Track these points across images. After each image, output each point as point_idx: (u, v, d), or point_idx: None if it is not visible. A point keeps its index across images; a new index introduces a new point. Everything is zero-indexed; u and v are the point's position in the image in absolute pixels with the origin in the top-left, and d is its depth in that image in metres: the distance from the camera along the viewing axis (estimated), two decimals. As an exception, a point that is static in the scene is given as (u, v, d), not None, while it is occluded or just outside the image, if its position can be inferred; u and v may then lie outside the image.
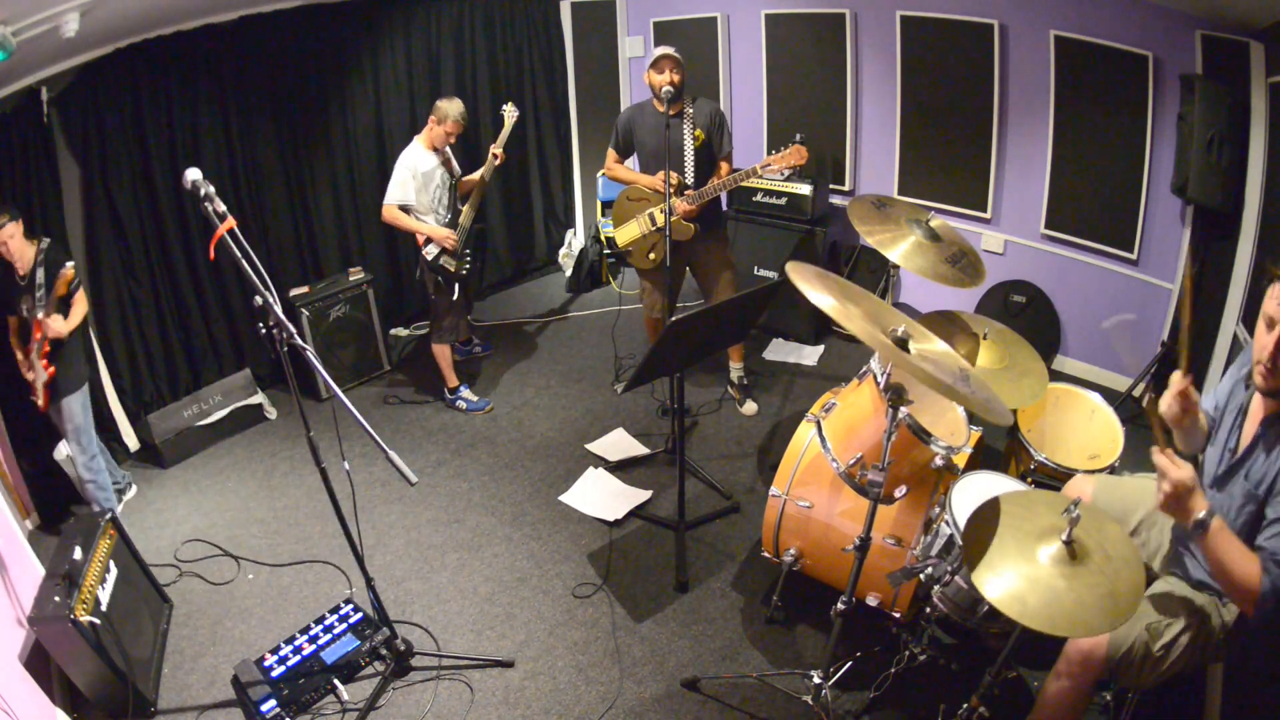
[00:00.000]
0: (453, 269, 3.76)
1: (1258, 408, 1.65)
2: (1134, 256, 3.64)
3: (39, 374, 3.05)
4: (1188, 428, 1.80)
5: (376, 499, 3.42)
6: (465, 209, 3.79)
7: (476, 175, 3.82)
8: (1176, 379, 1.76)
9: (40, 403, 3.12)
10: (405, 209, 3.66)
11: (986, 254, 4.07)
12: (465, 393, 4.09)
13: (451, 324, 3.91)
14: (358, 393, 4.28)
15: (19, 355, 3.10)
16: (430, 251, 3.73)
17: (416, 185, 3.62)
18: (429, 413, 4.08)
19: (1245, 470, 1.63)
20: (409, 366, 4.54)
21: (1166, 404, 1.77)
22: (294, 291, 4.03)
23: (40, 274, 3.02)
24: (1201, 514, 1.50)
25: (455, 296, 3.81)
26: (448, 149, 3.79)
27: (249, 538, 3.24)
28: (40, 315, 2.98)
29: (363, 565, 2.36)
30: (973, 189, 4.09)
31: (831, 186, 4.57)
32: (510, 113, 3.84)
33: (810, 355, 4.40)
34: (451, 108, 3.58)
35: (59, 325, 3.02)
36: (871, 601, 2.42)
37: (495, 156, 3.74)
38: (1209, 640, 1.74)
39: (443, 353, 3.98)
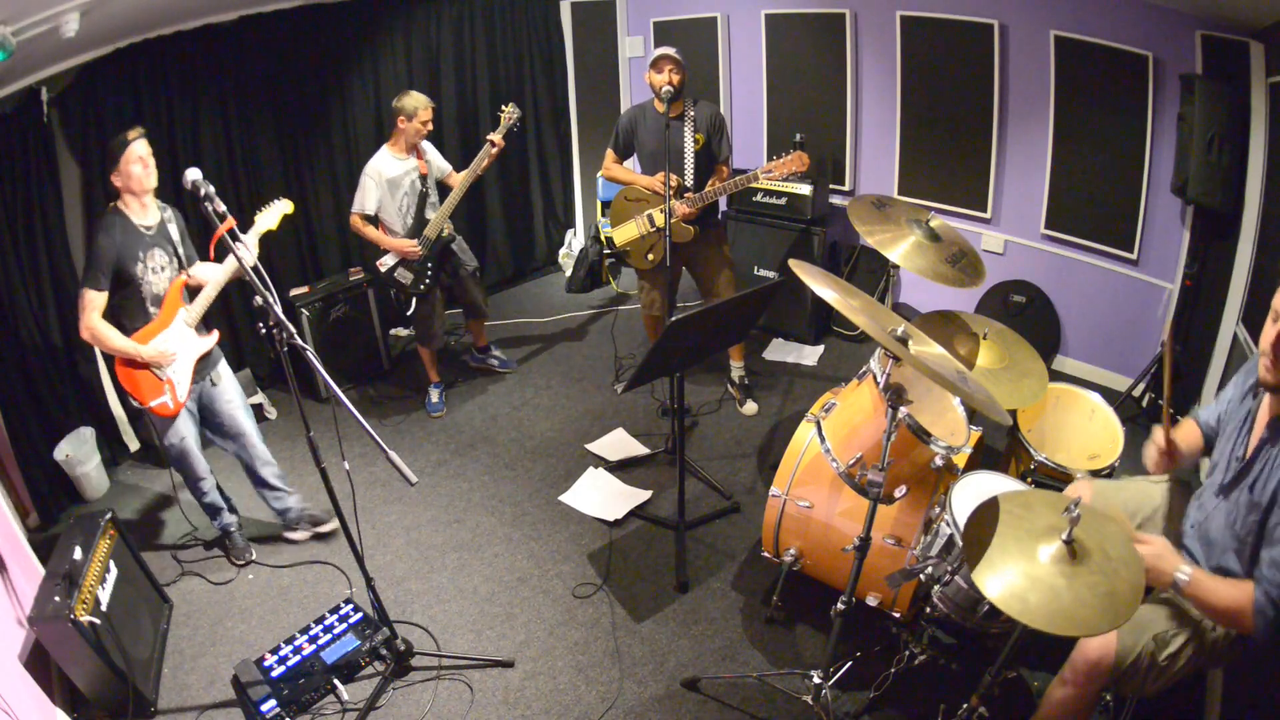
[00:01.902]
0: (407, 283, 3.67)
1: (1264, 415, 1.65)
2: (1134, 256, 3.64)
3: (195, 346, 2.62)
4: (1175, 467, 1.95)
5: (376, 499, 3.42)
6: (435, 217, 3.64)
7: (463, 173, 3.64)
8: (1158, 438, 1.93)
9: (175, 399, 2.57)
10: (373, 220, 3.60)
11: (986, 254, 4.07)
12: (432, 392, 4.09)
13: (425, 331, 3.89)
14: (357, 393, 4.28)
15: (117, 344, 2.50)
16: (385, 262, 3.66)
17: (382, 192, 3.55)
18: (428, 413, 4.07)
19: (1250, 480, 1.62)
20: (409, 367, 4.54)
21: (1150, 456, 1.96)
22: (294, 291, 4.04)
23: (173, 229, 2.66)
24: (1180, 576, 1.62)
25: (410, 312, 3.76)
26: (430, 151, 3.69)
27: (249, 537, 3.23)
28: (188, 271, 2.62)
29: (363, 565, 2.36)
30: (973, 189, 4.09)
31: (831, 186, 4.56)
32: (508, 112, 3.63)
33: (810, 355, 4.40)
34: (415, 100, 3.48)
35: (254, 254, 2.48)
36: (871, 601, 2.42)
37: (492, 144, 3.54)
38: (1213, 647, 1.74)
39: (422, 352, 4.03)
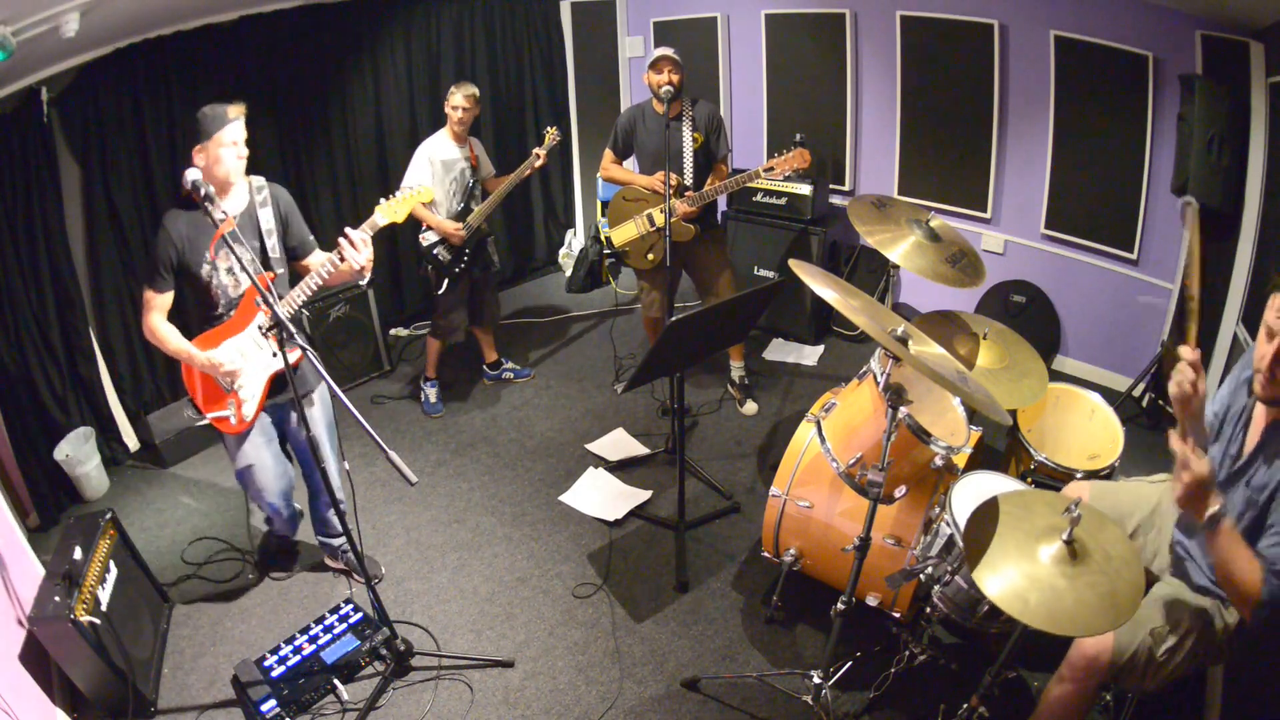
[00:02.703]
0: (445, 261, 3.74)
1: (1260, 414, 1.64)
2: (1134, 256, 3.65)
3: (269, 362, 2.25)
4: (1195, 413, 1.65)
5: (376, 499, 3.42)
6: (478, 209, 3.73)
7: (507, 176, 3.74)
8: (1186, 353, 1.63)
9: (239, 417, 2.24)
10: None
11: (986, 254, 4.07)
12: (429, 389, 4.08)
13: (445, 323, 3.90)
14: (358, 393, 4.28)
15: (172, 347, 2.20)
16: (427, 238, 3.73)
17: (434, 172, 3.61)
18: (427, 413, 4.07)
19: (1248, 477, 1.62)
20: (409, 367, 4.54)
21: (1176, 382, 1.63)
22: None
23: (269, 216, 2.20)
24: (1216, 508, 1.47)
25: (442, 291, 3.79)
26: (480, 148, 3.78)
27: (249, 537, 3.23)
28: (270, 271, 2.16)
29: (363, 565, 2.36)
30: (973, 189, 4.09)
31: (831, 186, 4.56)
32: (553, 133, 3.76)
33: (810, 355, 4.40)
34: (458, 88, 3.59)
35: (365, 252, 2.04)
36: (871, 601, 2.42)
37: (537, 156, 3.67)
38: (1211, 644, 1.74)
39: (431, 345, 4.02)
